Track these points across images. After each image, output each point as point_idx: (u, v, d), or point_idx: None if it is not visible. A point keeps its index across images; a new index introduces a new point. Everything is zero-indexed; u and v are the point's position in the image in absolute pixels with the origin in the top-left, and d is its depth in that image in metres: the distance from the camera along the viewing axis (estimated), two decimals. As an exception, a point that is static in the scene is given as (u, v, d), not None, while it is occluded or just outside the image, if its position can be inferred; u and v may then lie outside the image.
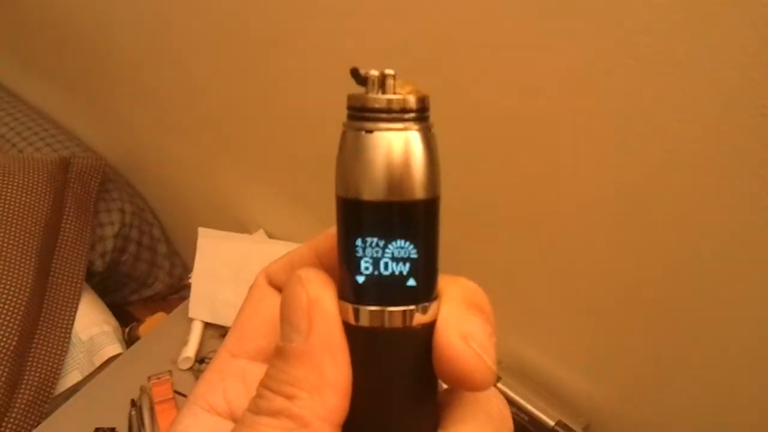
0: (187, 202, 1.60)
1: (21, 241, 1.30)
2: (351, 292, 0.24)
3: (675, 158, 0.70)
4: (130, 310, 1.65)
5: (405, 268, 0.24)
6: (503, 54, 0.78)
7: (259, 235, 1.38)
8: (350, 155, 0.24)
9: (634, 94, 0.69)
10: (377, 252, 0.24)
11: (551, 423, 0.95)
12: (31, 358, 1.25)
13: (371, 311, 0.24)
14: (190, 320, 1.27)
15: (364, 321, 0.24)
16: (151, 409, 1.13)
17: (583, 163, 0.79)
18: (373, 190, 0.23)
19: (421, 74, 0.88)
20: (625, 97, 0.70)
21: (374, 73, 0.24)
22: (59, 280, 1.37)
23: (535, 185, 0.86)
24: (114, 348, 1.33)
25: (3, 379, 1.17)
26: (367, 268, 0.24)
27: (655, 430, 0.95)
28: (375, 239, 0.23)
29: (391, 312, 0.24)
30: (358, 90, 0.24)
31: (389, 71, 0.24)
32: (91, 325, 1.37)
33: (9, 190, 1.34)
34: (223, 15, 1.07)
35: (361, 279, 0.24)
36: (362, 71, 0.24)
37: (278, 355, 0.24)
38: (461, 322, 0.24)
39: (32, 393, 1.22)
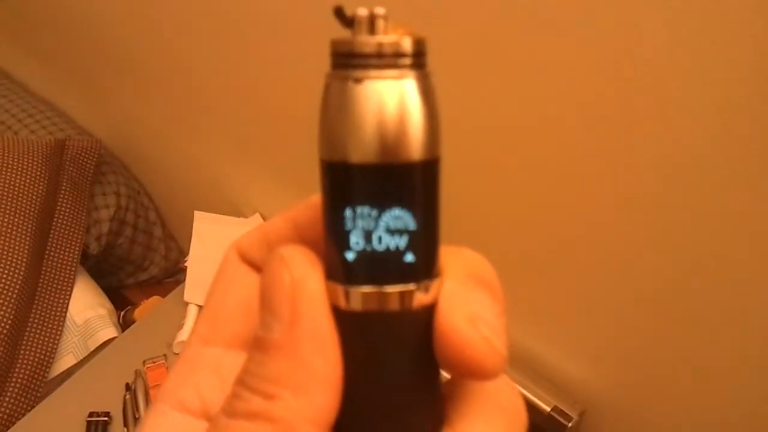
0: (183, 185, 1.59)
1: (15, 223, 1.30)
2: (340, 272, 0.21)
3: (677, 157, 0.70)
4: (126, 294, 1.65)
5: (402, 242, 0.21)
6: (515, 52, 0.77)
7: (254, 218, 1.38)
8: (336, 110, 0.21)
9: (652, 88, 0.69)
10: (369, 223, 0.20)
11: (547, 409, 0.95)
12: (25, 342, 1.25)
13: (364, 293, 0.21)
14: (186, 304, 1.26)
15: (356, 304, 0.21)
16: (146, 393, 1.13)
17: (592, 159, 0.78)
18: (363, 151, 0.20)
19: (436, 74, 0.88)
20: (643, 93, 0.70)
21: (362, 12, 0.20)
22: (54, 263, 1.37)
23: (538, 179, 0.85)
24: (109, 332, 1.32)
25: (-3, 362, 1.17)
26: (357, 243, 0.21)
27: (650, 416, 0.95)
28: (366, 208, 0.20)
29: (387, 293, 0.21)
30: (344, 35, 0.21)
31: (379, 10, 0.20)
32: (86, 308, 1.36)
33: (4, 173, 1.34)
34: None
35: (351, 255, 0.21)
36: (348, 12, 0.20)
37: (257, 346, 0.21)
38: (467, 301, 0.21)
39: (26, 377, 1.22)
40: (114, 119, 1.65)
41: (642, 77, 0.68)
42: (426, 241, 0.21)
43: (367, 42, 0.20)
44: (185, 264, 1.31)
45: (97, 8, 1.36)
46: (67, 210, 1.43)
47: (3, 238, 1.27)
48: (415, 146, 0.20)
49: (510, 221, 0.93)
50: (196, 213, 1.34)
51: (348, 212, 0.21)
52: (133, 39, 1.34)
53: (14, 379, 1.20)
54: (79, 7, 1.40)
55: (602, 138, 0.75)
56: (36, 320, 1.28)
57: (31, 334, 1.26)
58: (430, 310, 0.21)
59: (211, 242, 1.31)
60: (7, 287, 1.22)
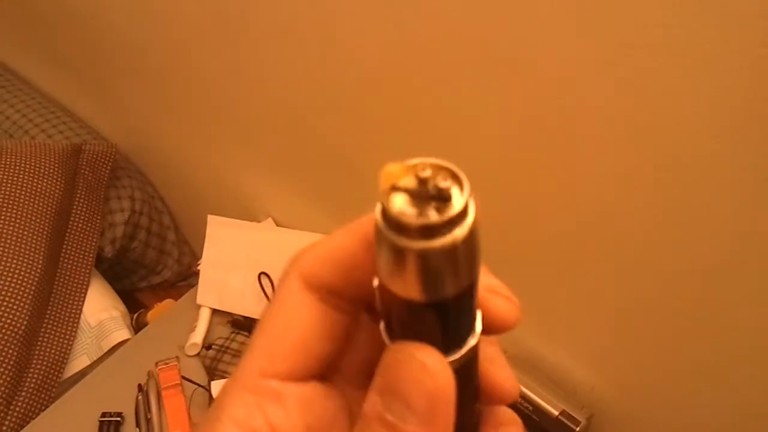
0: (197, 190, 1.61)
1: (32, 226, 1.31)
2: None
3: (686, 156, 0.70)
4: (139, 297, 1.66)
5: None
6: (516, 55, 0.78)
7: (267, 223, 1.39)
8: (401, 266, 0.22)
9: (652, 86, 0.69)
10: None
11: (555, 413, 0.95)
12: (39, 342, 1.26)
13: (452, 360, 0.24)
14: (198, 307, 1.28)
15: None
16: (158, 395, 1.14)
17: (599, 160, 0.79)
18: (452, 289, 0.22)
19: (439, 78, 0.89)
20: (644, 89, 0.70)
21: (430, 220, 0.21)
22: (69, 265, 1.38)
23: (547, 185, 0.86)
24: (122, 333, 1.34)
25: (12, 362, 1.18)
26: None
27: (657, 421, 0.95)
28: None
29: (467, 351, 0.24)
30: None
31: (424, 174, 0.22)
32: (100, 310, 1.38)
33: (21, 176, 1.36)
34: (234, 4, 1.08)
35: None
36: (396, 207, 0.21)
37: (387, 428, 0.22)
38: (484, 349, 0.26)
39: (40, 377, 1.23)
40: (129, 124, 1.67)
41: (642, 75, 0.68)
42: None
43: (427, 223, 0.21)
44: (198, 268, 1.32)
45: (113, 15, 1.38)
46: (83, 213, 1.45)
47: (19, 240, 1.28)
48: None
49: (520, 228, 0.94)
50: (210, 217, 1.35)
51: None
52: (149, 45, 1.35)
53: (29, 379, 1.22)
54: (96, 13, 1.42)
55: (607, 138, 0.76)
56: (51, 321, 1.30)
57: (46, 335, 1.28)
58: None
59: (225, 246, 1.32)
60: (22, 289, 1.24)
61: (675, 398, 0.90)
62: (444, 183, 0.22)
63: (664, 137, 0.71)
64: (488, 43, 0.79)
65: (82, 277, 1.39)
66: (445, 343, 0.23)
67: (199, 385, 1.15)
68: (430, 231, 0.21)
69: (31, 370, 1.23)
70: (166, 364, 1.18)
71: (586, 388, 0.99)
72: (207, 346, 1.21)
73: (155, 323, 1.32)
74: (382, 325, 0.25)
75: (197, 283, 1.30)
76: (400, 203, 0.21)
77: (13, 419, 1.17)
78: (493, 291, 0.25)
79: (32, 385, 1.21)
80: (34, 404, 1.20)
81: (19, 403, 1.18)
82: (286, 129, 1.21)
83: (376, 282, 0.24)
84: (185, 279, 1.73)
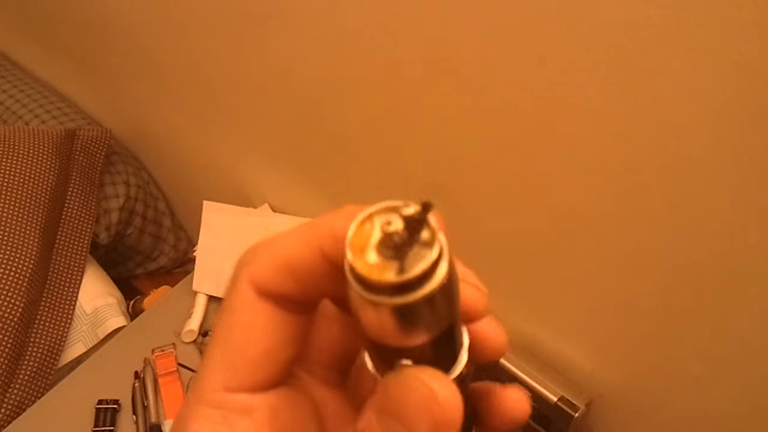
0: (192, 175, 1.60)
1: (26, 213, 1.30)
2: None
3: (687, 147, 0.70)
4: (135, 284, 1.66)
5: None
6: (512, 44, 0.77)
7: (263, 209, 1.38)
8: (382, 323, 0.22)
9: (652, 83, 0.68)
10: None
11: (554, 399, 0.94)
12: (35, 330, 1.26)
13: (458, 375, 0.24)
14: (194, 293, 1.27)
15: None
16: (155, 382, 1.13)
17: (602, 150, 0.78)
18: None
19: (433, 70, 0.88)
20: (647, 84, 0.69)
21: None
22: (64, 252, 1.37)
23: (548, 170, 0.85)
24: (118, 320, 1.33)
25: (7, 349, 1.17)
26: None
27: (657, 406, 0.95)
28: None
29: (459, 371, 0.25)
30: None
31: (390, 229, 0.21)
32: (96, 297, 1.37)
33: (14, 162, 1.34)
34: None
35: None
36: (366, 269, 0.21)
37: None
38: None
39: (36, 364, 1.23)
40: (124, 109, 1.66)
41: (641, 73, 0.68)
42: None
43: (404, 281, 0.21)
44: (194, 254, 1.31)
45: (107, 0, 1.37)
46: (77, 200, 1.44)
47: (13, 227, 1.27)
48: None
49: (518, 213, 0.93)
50: (205, 203, 1.34)
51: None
52: (143, 30, 1.34)
53: (24, 367, 1.21)
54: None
55: (610, 126, 0.75)
56: (46, 309, 1.29)
57: (42, 323, 1.27)
58: None
59: (221, 232, 1.31)
60: (17, 276, 1.23)
61: (675, 383, 0.90)
62: (413, 233, 0.21)
63: (671, 129, 0.70)
64: (487, 31, 0.79)
65: (77, 264, 1.38)
66: (437, 366, 0.23)
67: (196, 372, 1.15)
68: (405, 287, 0.20)
69: (27, 357, 1.22)
70: (163, 351, 1.17)
71: (585, 372, 0.99)
72: (203, 332, 1.21)
73: (151, 310, 1.31)
74: (366, 357, 0.25)
75: (193, 270, 1.29)
76: (371, 262, 0.21)
77: (9, 407, 1.16)
78: (461, 280, 0.24)
79: (28, 373, 1.21)
80: (30, 392, 1.20)
81: (15, 391, 1.18)
82: (283, 114, 1.20)
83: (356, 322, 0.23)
84: (181, 265, 1.72)
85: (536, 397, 0.95)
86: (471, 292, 0.25)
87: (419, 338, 0.22)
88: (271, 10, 1.03)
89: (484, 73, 0.83)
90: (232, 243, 1.29)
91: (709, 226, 0.74)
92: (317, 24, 0.98)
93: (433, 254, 0.20)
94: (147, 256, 1.67)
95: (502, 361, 0.97)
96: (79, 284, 1.37)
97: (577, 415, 0.93)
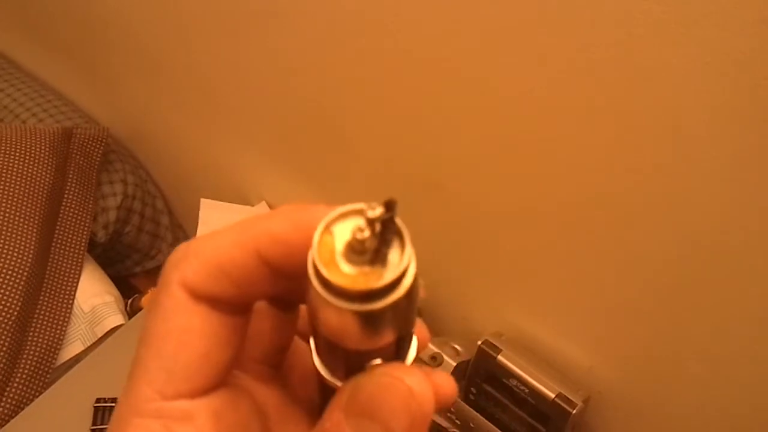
0: (190, 174, 1.60)
1: (23, 211, 1.30)
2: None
3: (689, 144, 0.70)
4: (133, 282, 1.66)
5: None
6: (508, 41, 0.77)
7: (261, 206, 1.38)
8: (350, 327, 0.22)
9: (654, 78, 0.69)
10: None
11: (551, 395, 0.95)
12: (33, 328, 1.25)
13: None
14: (192, 291, 1.26)
15: None
16: (153, 380, 1.13)
17: (597, 150, 0.78)
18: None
19: (433, 70, 0.88)
20: (653, 79, 0.69)
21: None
22: (61, 251, 1.37)
23: (548, 165, 0.85)
24: (116, 319, 1.33)
25: (5, 348, 1.17)
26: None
27: (655, 403, 0.95)
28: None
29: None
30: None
31: (361, 236, 0.21)
32: (94, 295, 1.37)
33: (11, 161, 1.34)
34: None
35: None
36: (334, 276, 0.21)
37: None
38: None
39: (34, 363, 1.23)
40: (121, 107, 1.65)
41: (640, 73, 0.68)
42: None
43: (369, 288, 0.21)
44: (192, 252, 1.31)
45: (104, -3, 1.36)
46: (75, 198, 1.44)
47: (11, 225, 1.27)
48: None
49: (518, 212, 0.93)
50: (203, 201, 1.34)
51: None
52: (141, 27, 1.34)
53: (22, 366, 1.21)
54: (86, -5, 1.40)
55: (610, 125, 0.75)
56: (44, 307, 1.29)
57: (39, 321, 1.27)
58: None
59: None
60: (15, 274, 1.23)
61: (674, 381, 0.90)
62: (382, 244, 0.21)
63: (675, 127, 0.70)
64: (487, 31, 0.79)
65: (75, 263, 1.38)
66: (399, 360, 0.24)
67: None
68: (372, 295, 0.20)
69: (25, 356, 1.22)
70: (161, 349, 1.17)
71: (583, 369, 0.99)
72: (201, 330, 1.21)
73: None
74: (315, 358, 0.25)
75: (191, 268, 1.29)
76: (346, 272, 0.21)
77: (7, 406, 1.16)
78: None
79: (26, 372, 1.21)
80: (28, 391, 1.20)
81: (13, 390, 1.18)
82: (281, 113, 1.20)
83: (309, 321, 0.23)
84: (179, 264, 1.72)
85: (534, 394, 0.95)
86: None
87: (391, 336, 0.22)
88: (270, 10, 1.03)
89: (484, 73, 0.83)
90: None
91: (708, 224, 0.74)
92: (317, 24, 0.98)
93: (407, 253, 0.21)
94: (145, 255, 1.66)
95: (500, 358, 0.97)
96: (77, 283, 1.36)
97: (574, 411, 0.93)
